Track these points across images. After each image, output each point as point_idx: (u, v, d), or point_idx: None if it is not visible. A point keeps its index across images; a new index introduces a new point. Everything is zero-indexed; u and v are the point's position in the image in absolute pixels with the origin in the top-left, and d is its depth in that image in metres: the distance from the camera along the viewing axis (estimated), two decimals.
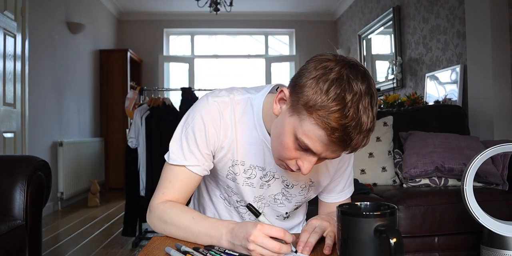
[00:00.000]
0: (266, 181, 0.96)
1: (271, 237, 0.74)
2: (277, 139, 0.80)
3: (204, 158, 0.92)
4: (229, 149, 0.92)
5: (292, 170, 0.81)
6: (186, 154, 0.91)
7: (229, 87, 0.97)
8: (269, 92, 0.93)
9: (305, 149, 0.75)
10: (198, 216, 0.87)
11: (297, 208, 1.05)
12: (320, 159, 0.78)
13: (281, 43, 7.12)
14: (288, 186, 0.97)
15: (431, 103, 3.37)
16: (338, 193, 1.07)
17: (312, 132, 0.72)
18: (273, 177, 0.95)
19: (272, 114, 0.84)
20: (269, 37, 7.04)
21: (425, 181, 2.13)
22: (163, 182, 0.93)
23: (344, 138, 0.70)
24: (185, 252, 0.76)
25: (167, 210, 0.89)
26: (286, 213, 1.03)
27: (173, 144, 0.93)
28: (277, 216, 1.04)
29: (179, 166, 0.91)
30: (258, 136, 0.91)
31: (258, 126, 0.91)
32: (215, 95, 0.93)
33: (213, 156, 0.94)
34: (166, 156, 0.93)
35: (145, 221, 3.06)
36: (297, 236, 0.85)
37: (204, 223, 0.85)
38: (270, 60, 6.92)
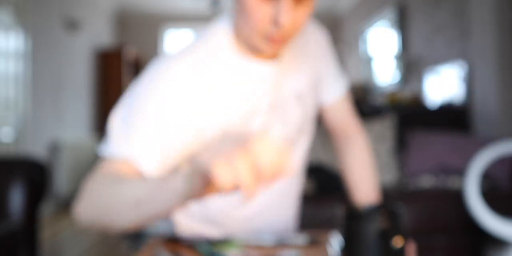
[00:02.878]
0: (282, 113, 0.85)
1: None
2: (248, 17, 0.71)
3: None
4: (217, 108, 0.78)
5: (273, 39, 0.71)
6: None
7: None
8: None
9: None
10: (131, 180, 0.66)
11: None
12: (291, 1, 0.67)
13: None
14: (300, 97, 0.88)
15: (434, 101, 3.35)
16: (337, 79, 0.98)
17: None
18: (285, 102, 0.85)
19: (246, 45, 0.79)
20: None
21: (428, 180, 2.11)
22: None
23: None
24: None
25: (94, 182, 0.73)
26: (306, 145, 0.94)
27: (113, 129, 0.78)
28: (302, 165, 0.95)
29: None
30: (242, 74, 0.80)
31: (237, 62, 0.79)
32: (165, 62, 0.78)
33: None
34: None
35: None
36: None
37: (147, 178, 0.67)
38: None
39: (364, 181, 0.96)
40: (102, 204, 0.65)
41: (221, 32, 0.80)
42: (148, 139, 0.71)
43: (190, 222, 0.93)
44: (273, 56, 0.82)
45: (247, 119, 0.79)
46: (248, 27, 0.73)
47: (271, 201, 0.92)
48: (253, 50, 0.79)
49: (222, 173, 0.46)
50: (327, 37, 0.98)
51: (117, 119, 0.75)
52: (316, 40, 0.95)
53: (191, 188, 0.53)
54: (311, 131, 0.95)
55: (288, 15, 0.67)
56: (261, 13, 0.69)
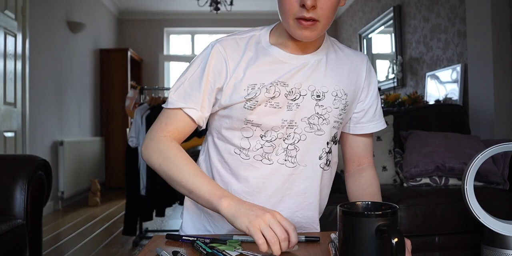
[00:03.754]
0: (293, 100, 0.91)
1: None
2: (281, 5, 0.87)
3: (204, 102, 0.92)
4: (241, 77, 0.91)
5: (306, 20, 0.84)
6: (185, 97, 0.92)
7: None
8: (272, 28, 0.98)
9: None
10: (205, 174, 0.90)
11: (335, 140, 0.99)
12: None
13: None
14: (319, 96, 0.93)
15: (431, 102, 3.37)
16: (378, 118, 1.03)
17: None
18: (300, 94, 0.92)
19: (279, 40, 0.94)
20: None
21: (426, 180, 2.13)
22: (162, 119, 0.94)
23: None
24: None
25: (173, 149, 0.90)
26: (327, 143, 0.96)
27: (173, 89, 0.94)
28: (319, 157, 0.95)
29: (176, 109, 0.93)
30: (270, 56, 0.93)
31: (269, 49, 0.94)
32: (217, 40, 0.96)
33: (220, 98, 0.93)
34: (164, 105, 0.95)
35: (146, 220, 3.06)
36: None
37: (212, 181, 0.87)
38: None
39: None
40: (166, 172, 0.89)
41: (262, 30, 0.98)
42: (191, 99, 0.92)
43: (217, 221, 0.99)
44: (305, 50, 0.94)
45: (252, 89, 0.91)
46: (284, 15, 0.87)
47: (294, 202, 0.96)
48: (291, 40, 0.93)
49: (258, 241, 0.72)
50: (373, 73, 1.04)
51: (176, 82, 0.95)
52: (358, 67, 1.01)
53: (224, 216, 0.80)
54: (330, 135, 0.96)
55: None
56: None
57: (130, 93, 3.32)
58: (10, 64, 3.30)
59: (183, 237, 0.84)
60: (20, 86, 3.49)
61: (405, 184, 2.18)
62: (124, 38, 6.58)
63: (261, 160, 0.93)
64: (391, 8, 4.34)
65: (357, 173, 1.05)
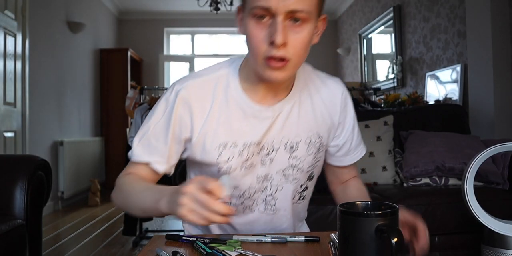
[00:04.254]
0: (266, 155, 0.90)
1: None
2: (249, 43, 0.80)
3: (171, 152, 0.89)
4: (212, 135, 0.87)
5: (276, 60, 0.77)
6: (151, 150, 0.88)
7: (195, 71, 0.93)
8: (241, 64, 0.91)
9: (262, 14, 0.76)
10: (153, 185, 0.86)
11: (311, 178, 0.98)
12: (287, 21, 0.75)
13: None
14: (292, 148, 0.91)
15: (431, 102, 3.37)
16: (354, 150, 1.01)
17: None
18: (273, 148, 0.90)
19: (248, 83, 0.88)
20: None
21: (426, 180, 2.13)
22: (127, 171, 0.93)
23: None
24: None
25: (126, 181, 0.88)
26: (301, 186, 0.97)
27: (137, 138, 0.90)
28: (293, 197, 0.96)
29: (141, 164, 0.90)
30: (242, 109, 0.88)
31: (240, 99, 0.88)
32: (181, 83, 0.89)
33: (190, 150, 0.90)
34: (129, 153, 0.91)
35: (146, 221, 3.06)
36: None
37: (153, 188, 0.82)
38: None
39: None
40: (126, 203, 0.88)
41: (230, 68, 0.90)
42: (156, 150, 0.89)
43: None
44: (277, 93, 0.89)
45: (224, 149, 0.88)
46: (252, 53, 0.80)
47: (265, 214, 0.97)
48: (260, 84, 0.87)
49: (190, 218, 0.67)
50: (349, 105, 0.99)
51: (140, 129, 0.91)
52: (332, 102, 0.96)
53: (170, 213, 0.73)
54: (304, 178, 0.96)
55: (283, 33, 0.74)
56: (259, 35, 0.77)
57: (130, 93, 3.32)
58: (10, 64, 3.30)
59: (183, 237, 0.84)
60: (20, 86, 3.49)
61: (405, 184, 2.18)
62: (124, 38, 6.58)
63: (243, 211, 0.95)
64: (391, 8, 4.34)
65: (342, 187, 1.07)
